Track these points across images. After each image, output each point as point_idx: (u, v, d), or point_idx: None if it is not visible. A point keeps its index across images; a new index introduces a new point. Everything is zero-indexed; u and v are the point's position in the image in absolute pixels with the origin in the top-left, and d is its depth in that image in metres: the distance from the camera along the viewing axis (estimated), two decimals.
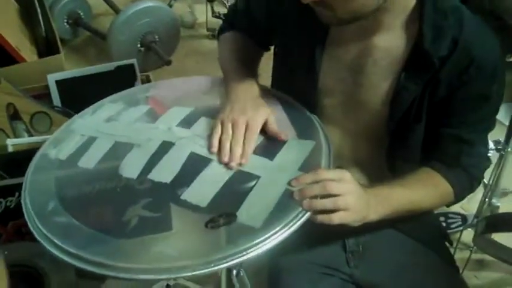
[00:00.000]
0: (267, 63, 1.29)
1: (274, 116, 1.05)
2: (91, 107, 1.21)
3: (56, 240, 0.86)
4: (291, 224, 0.86)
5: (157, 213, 0.90)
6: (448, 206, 1.15)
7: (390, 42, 1.00)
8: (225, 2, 3.00)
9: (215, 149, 0.99)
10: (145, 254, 0.83)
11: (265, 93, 1.13)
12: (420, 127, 1.06)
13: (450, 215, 1.92)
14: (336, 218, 0.90)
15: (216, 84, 1.23)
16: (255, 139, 1.01)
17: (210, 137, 1.02)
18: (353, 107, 1.09)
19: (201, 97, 1.19)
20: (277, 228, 0.84)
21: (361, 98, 1.07)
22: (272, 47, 1.27)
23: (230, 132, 1.01)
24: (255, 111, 1.03)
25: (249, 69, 1.18)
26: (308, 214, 0.88)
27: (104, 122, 1.14)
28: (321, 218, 0.89)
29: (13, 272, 1.41)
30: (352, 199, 0.91)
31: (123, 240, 0.86)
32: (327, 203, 0.89)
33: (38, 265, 1.38)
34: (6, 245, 1.49)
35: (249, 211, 0.88)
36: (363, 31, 1.01)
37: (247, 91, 1.10)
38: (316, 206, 0.88)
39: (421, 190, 1.05)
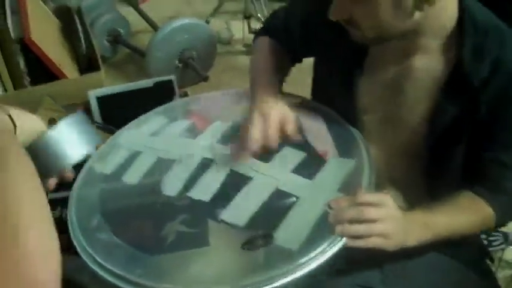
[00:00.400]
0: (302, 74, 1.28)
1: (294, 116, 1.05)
2: (135, 120, 1.23)
3: (97, 258, 0.88)
4: (329, 247, 0.84)
5: (195, 228, 0.91)
6: (488, 230, 1.12)
7: (429, 63, 0.99)
8: (262, 18, 3.01)
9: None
10: (183, 272, 0.84)
11: (306, 104, 1.13)
12: (460, 149, 1.04)
13: (492, 233, 1.88)
14: (371, 244, 0.89)
15: None
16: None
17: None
18: (391, 124, 1.08)
19: (240, 111, 1.20)
20: (315, 253, 0.83)
21: (400, 116, 1.06)
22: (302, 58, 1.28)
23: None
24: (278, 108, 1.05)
25: (275, 75, 1.17)
26: (345, 239, 0.87)
27: (148, 136, 1.16)
28: (356, 243, 0.88)
29: None
30: (389, 226, 0.90)
31: (161, 256, 0.87)
32: (361, 229, 0.88)
33: (77, 279, 1.40)
34: None
35: (287, 233, 0.87)
36: (400, 52, 1.00)
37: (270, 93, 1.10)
38: (349, 231, 0.87)
39: (462, 216, 1.03)
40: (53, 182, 0.83)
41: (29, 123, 0.77)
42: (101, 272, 0.86)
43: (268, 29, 1.30)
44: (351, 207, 0.89)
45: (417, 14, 0.90)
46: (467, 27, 0.94)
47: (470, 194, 1.06)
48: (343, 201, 0.91)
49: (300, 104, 1.16)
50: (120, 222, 0.95)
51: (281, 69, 1.24)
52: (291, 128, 1.02)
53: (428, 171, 1.09)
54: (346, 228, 0.87)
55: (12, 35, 1.79)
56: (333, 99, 1.14)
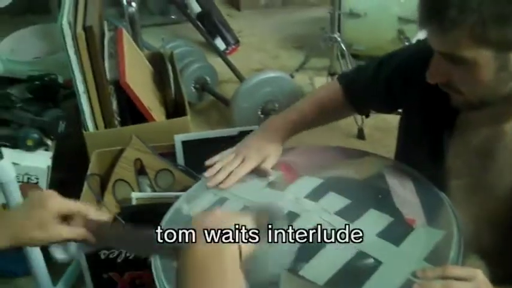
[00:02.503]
0: None
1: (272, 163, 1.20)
2: None
3: None
4: None
5: None
6: None
7: None
8: None
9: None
10: None
11: (394, 166, 1.12)
12: None
13: None
14: None
15: (352, 157, 1.23)
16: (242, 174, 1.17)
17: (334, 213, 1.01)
18: (479, 190, 1.05)
19: (332, 168, 1.19)
20: None
21: (489, 182, 1.02)
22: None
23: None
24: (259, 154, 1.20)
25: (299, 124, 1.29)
26: None
27: (236, 184, 1.16)
28: None
29: None
30: None
31: None
32: None
33: None
34: None
35: None
36: (494, 117, 0.98)
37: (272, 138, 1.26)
38: None
39: None
40: None
41: None
42: None
43: (345, 77, 1.31)
44: (437, 280, 0.85)
45: None
46: None
47: None
48: (430, 272, 0.87)
49: (388, 166, 1.14)
50: None
51: (321, 120, 1.31)
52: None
53: None
54: None
55: (108, 76, 1.88)
56: (420, 161, 1.11)
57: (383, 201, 1.06)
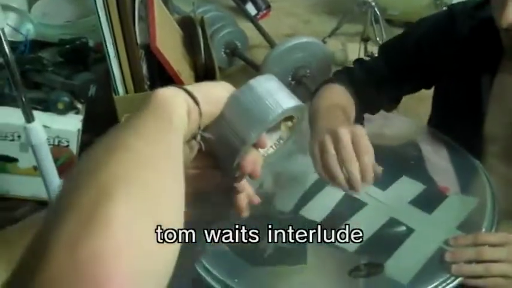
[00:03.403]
0: None
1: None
2: None
3: (203, 260, 0.88)
4: (443, 284, 0.80)
5: (294, 245, 0.88)
6: None
7: None
8: (379, 41, 2.96)
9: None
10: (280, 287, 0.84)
11: (428, 134, 1.08)
12: None
13: None
14: (491, 284, 0.83)
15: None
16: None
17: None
18: None
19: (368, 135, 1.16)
20: None
21: None
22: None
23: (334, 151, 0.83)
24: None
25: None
26: (461, 278, 0.82)
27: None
28: (474, 282, 0.83)
29: None
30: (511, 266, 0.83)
31: (258, 268, 0.87)
32: (478, 269, 0.82)
33: (178, 282, 1.42)
34: None
35: (398, 264, 0.83)
36: None
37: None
38: (466, 272, 0.82)
39: None
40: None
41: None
42: (206, 276, 0.86)
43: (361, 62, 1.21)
44: (470, 247, 0.84)
45: None
46: None
47: None
48: (463, 239, 0.86)
49: (422, 133, 1.11)
50: (229, 227, 0.95)
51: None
52: (364, 144, 0.84)
53: None
54: (464, 268, 0.82)
55: (138, 40, 1.87)
56: (457, 129, 1.08)
57: (416, 168, 1.04)
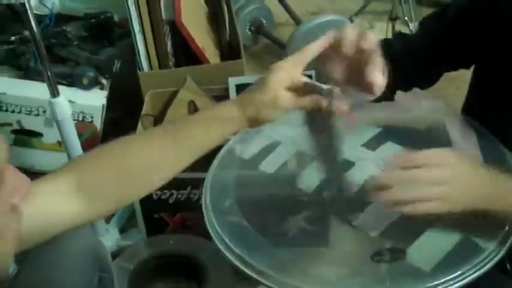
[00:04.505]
0: None
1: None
2: None
3: (226, 239, 0.88)
4: (463, 276, 0.78)
5: (316, 227, 0.90)
6: None
7: None
8: (408, 21, 2.90)
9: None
10: (299, 269, 0.84)
11: (458, 119, 1.06)
12: None
13: None
14: (423, 208, 0.79)
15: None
16: None
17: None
18: None
19: (392, 117, 1.14)
20: (446, 278, 0.77)
21: None
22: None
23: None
24: None
25: None
26: (487, 267, 0.78)
27: (291, 127, 1.13)
28: (400, 208, 0.80)
29: (174, 261, 1.48)
30: (448, 189, 0.79)
31: (281, 248, 0.87)
32: (404, 195, 0.79)
33: (199, 258, 1.43)
34: (171, 235, 1.57)
35: (421, 251, 0.82)
36: None
37: None
38: (392, 198, 0.80)
39: None
40: None
41: None
42: (227, 253, 0.87)
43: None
44: (401, 171, 0.81)
45: None
46: None
47: None
48: (400, 160, 0.82)
49: (451, 117, 1.08)
50: (251, 208, 0.96)
51: None
52: (369, 42, 0.82)
53: None
54: (388, 194, 0.80)
55: (163, 16, 1.86)
56: (492, 117, 1.04)
57: None
